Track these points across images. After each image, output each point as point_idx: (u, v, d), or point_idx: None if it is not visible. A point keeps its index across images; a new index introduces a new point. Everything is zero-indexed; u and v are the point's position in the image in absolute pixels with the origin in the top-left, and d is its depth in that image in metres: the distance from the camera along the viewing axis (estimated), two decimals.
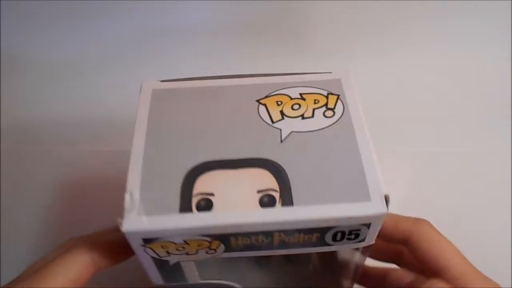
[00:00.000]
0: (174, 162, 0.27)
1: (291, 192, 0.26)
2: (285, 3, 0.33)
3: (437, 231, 0.30)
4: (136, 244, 0.26)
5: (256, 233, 0.26)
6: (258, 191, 0.26)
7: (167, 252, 0.27)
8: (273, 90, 0.31)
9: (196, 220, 0.25)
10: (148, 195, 0.26)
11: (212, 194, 0.26)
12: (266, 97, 0.31)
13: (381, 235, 0.31)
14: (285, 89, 0.31)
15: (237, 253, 0.28)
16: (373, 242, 0.28)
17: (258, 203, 0.26)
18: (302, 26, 0.32)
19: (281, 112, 0.30)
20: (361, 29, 0.33)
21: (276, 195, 0.26)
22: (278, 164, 0.27)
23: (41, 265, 0.28)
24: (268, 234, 0.26)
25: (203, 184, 0.26)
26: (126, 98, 0.28)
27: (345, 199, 0.25)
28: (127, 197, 0.26)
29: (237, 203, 0.26)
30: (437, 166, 0.40)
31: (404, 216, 0.31)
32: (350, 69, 0.31)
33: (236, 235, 0.26)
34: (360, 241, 0.27)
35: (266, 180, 0.27)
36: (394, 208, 0.27)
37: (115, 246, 0.29)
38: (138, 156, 0.28)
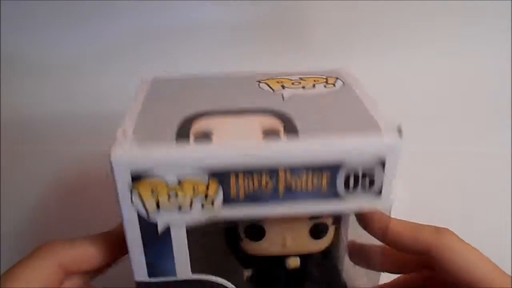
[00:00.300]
0: (172, 110, 0.26)
1: (297, 129, 0.24)
2: (285, 3, 0.36)
3: (461, 240, 0.27)
4: (123, 188, 0.23)
5: (259, 171, 0.23)
6: (262, 131, 0.24)
7: (157, 204, 0.23)
8: (274, 76, 0.31)
9: (193, 150, 0.23)
10: (142, 131, 0.24)
11: (211, 133, 0.24)
12: (267, 79, 0.31)
13: (399, 246, 0.28)
14: (285, 75, 0.32)
15: (237, 210, 0.24)
16: (391, 203, 0.25)
17: (261, 138, 0.24)
18: (302, 26, 0.34)
19: (282, 85, 0.30)
20: (361, 29, 0.35)
21: (281, 134, 0.24)
22: (282, 111, 0.26)
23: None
24: (273, 172, 0.23)
25: (202, 125, 0.25)
26: (126, 98, 0.28)
27: (355, 133, 0.23)
28: (119, 131, 0.24)
29: (239, 138, 0.24)
30: (437, 166, 0.40)
31: (422, 225, 0.28)
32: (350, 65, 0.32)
33: (237, 172, 0.23)
34: (376, 194, 0.24)
35: (270, 122, 0.25)
36: (394, 208, 0.26)
37: (89, 251, 0.28)
38: (137, 106, 0.27)
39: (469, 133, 0.40)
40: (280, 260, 0.31)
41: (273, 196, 0.24)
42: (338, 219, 0.30)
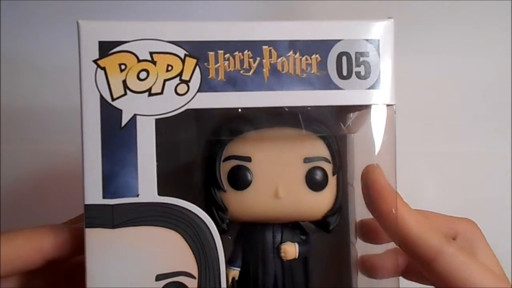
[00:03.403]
0: None
1: None
2: (285, 2, 0.36)
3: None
4: (86, 65, 0.20)
5: (241, 46, 0.21)
6: None
7: (124, 84, 0.20)
8: None
9: (170, 23, 0.21)
10: None
11: None
12: None
13: (403, 241, 0.24)
14: None
15: (216, 97, 0.20)
16: (393, 102, 0.22)
17: None
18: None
19: None
20: None
21: None
22: None
23: None
24: (255, 49, 0.21)
25: None
26: None
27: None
28: None
29: None
30: (437, 166, 0.39)
31: (437, 227, 0.25)
32: None
33: (216, 48, 0.20)
34: (374, 85, 0.21)
35: None
36: None
37: (23, 247, 0.22)
38: None
39: (469, 133, 0.39)
40: (273, 249, 0.25)
41: (257, 81, 0.21)
42: (339, 166, 0.25)
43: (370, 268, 0.27)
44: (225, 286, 0.21)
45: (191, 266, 0.21)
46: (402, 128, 0.27)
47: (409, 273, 0.27)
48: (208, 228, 0.21)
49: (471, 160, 0.39)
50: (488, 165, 0.39)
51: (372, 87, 0.21)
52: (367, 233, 0.27)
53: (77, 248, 0.21)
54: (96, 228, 0.20)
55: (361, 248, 0.28)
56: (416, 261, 0.24)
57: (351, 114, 0.26)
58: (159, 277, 0.20)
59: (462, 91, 0.38)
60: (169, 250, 0.21)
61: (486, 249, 0.25)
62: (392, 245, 0.25)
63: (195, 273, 0.21)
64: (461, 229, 0.25)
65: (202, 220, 0.21)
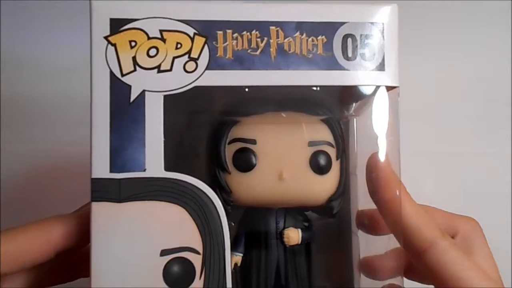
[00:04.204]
0: None
1: None
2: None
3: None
4: (97, 41, 0.21)
5: (249, 26, 0.21)
6: None
7: (134, 61, 0.20)
8: None
9: (180, 3, 0.21)
10: None
11: None
12: None
13: (404, 235, 0.24)
14: None
15: (224, 75, 0.21)
16: (396, 85, 0.22)
17: None
18: None
19: None
20: None
21: None
22: None
23: None
24: (263, 30, 0.21)
25: None
26: None
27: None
28: None
29: None
30: (437, 166, 0.40)
31: (435, 220, 0.25)
32: None
33: (225, 27, 0.21)
34: (379, 66, 0.22)
35: None
36: None
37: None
38: None
39: (469, 133, 0.40)
40: (275, 235, 0.25)
41: (264, 60, 0.21)
42: (342, 151, 0.25)
43: (371, 270, 0.27)
44: (229, 261, 0.21)
45: (196, 242, 0.21)
46: (402, 128, 0.28)
47: (408, 272, 0.27)
48: (214, 205, 0.21)
49: (471, 160, 0.39)
50: (488, 165, 0.39)
51: (376, 69, 0.22)
52: (368, 223, 0.27)
53: (86, 235, 0.21)
54: (103, 202, 0.20)
55: (362, 239, 0.28)
56: (408, 251, 0.24)
57: (355, 103, 0.27)
58: (164, 252, 0.20)
59: (462, 91, 0.39)
60: (175, 225, 0.21)
61: (484, 250, 0.25)
62: (391, 241, 0.26)
63: (200, 249, 0.21)
64: (461, 227, 0.25)
65: (208, 197, 0.21)
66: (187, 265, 0.21)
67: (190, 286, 0.21)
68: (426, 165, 0.39)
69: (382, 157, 0.23)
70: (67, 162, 0.36)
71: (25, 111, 0.38)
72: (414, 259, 0.24)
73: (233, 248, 0.26)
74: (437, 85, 0.38)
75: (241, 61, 0.21)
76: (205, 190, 0.21)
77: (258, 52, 0.21)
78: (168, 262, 0.20)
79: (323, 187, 0.25)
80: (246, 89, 0.21)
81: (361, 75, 0.22)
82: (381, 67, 0.22)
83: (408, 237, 0.23)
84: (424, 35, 0.39)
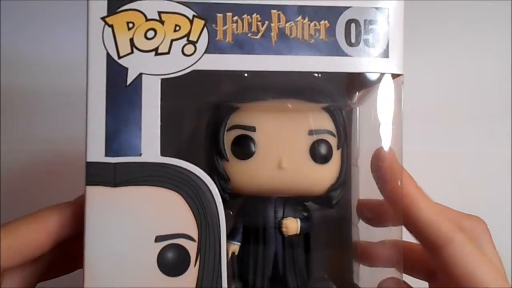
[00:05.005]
0: None
1: None
2: None
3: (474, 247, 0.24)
4: (94, 23, 0.20)
5: (250, 10, 0.20)
6: None
7: (131, 43, 0.20)
8: None
9: None
10: None
11: None
12: None
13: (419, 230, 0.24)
14: None
15: (223, 59, 0.20)
16: (401, 72, 0.21)
17: None
18: None
19: None
20: None
21: None
22: None
23: None
24: (264, 13, 0.20)
25: None
26: None
27: None
28: None
29: None
30: (437, 166, 0.39)
31: (448, 211, 0.25)
32: None
33: (224, 10, 0.20)
34: (383, 53, 0.21)
35: None
36: None
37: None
38: None
39: (469, 133, 0.40)
40: (274, 224, 0.25)
41: (265, 44, 0.21)
42: (343, 140, 0.25)
43: (366, 256, 0.27)
44: (225, 249, 0.21)
45: (192, 229, 0.20)
46: (402, 128, 0.28)
47: (408, 268, 0.27)
48: (211, 192, 0.21)
49: (471, 160, 0.40)
50: (488, 165, 0.40)
51: (380, 56, 0.21)
52: (369, 214, 0.27)
53: (82, 222, 0.21)
54: (97, 186, 0.20)
55: (362, 230, 0.28)
56: (425, 246, 0.24)
57: (358, 92, 0.26)
58: (158, 239, 0.20)
59: (462, 91, 0.39)
60: (170, 211, 0.20)
61: (491, 248, 0.25)
62: (392, 233, 0.25)
63: (195, 236, 0.20)
64: (467, 225, 0.25)
65: (205, 183, 0.21)
66: (182, 252, 0.20)
67: (185, 273, 0.20)
68: (426, 165, 0.39)
69: (387, 150, 0.23)
70: (68, 162, 0.36)
71: (25, 111, 0.38)
72: (432, 253, 0.24)
73: (231, 237, 0.26)
74: (437, 85, 0.38)
75: (241, 45, 0.21)
76: (201, 177, 0.21)
77: (258, 36, 0.21)
78: (162, 249, 0.20)
79: (322, 176, 0.24)
80: (245, 74, 0.21)
81: (364, 61, 0.21)
82: (385, 54, 0.21)
83: (426, 232, 0.23)
84: (424, 35, 0.38)
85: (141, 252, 0.20)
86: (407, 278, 0.27)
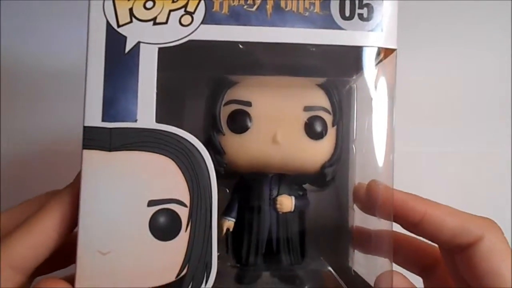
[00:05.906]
0: None
1: None
2: None
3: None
4: None
5: None
6: None
7: (130, 12, 0.21)
8: None
9: None
10: None
11: None
12: None
13: (444, 233, 0.24)
14: None
15: (219, 30, 0.21)
16: (394, 47, 0.21)
17: None
18: None
19: None
20: None
21: None
22: None
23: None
24: None
25: None
26: None
27: None
28: None
29: None
30: (437, 166, 0.39)
31: (466, 213, 0.24)
32: None
33: None
34: (377, 27, 0.21)
35: None
36: None
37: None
38: None
39: (469, 133, 0.40)
40: (269, 201, 0.25)
41: (261, 16, 0.21)
42: (339, 118, 0.25)
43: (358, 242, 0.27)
44: (216, 217, 0.21)
45: (184, 195, 0.21)
46: (402, 128, 0.28)
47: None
48: (204, 160, 0.21)
49: (471, 160, 0.39)
50: (488, 165, 0.39)
51: (374, 30, 0.21)
52: (364, 202, 0.26)
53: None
54: (93, 150, 0.21)
55: (358, 213, 0.28)
56: (449, 247, 0.24)
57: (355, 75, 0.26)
58: (151, 203, 0.21)
59: (462, 91, 0.39)
60: (163, 177, 0.21)
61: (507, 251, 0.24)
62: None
63: (187, 202, 0.21)
64: (481, 228, 0.24)
65: (198, 151, 0.21)
66: (174, 217, 0.21)
67: (176, 238, 0.21)
68: (426, 165, 0.39)
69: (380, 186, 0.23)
70: (68, 161, 0.36)
71: (25, 110, 0.38)
72: (457, 256, 0.23)
73: (226, 213, 0.26)
74: (437, 85, 0.38)
75: (236, 17, 0.21)
76: (196, 145, 0.21)
77: (254, 8, 0.21)
78: (155, 213, 0.21)
79: (317, 152, 0.25)
80: (240, 46, 0.21)
81: (358, 35, 0.21)
82: (378, 28, 0.21)
83: (452, 238, 0.23)
84: (423, 35, 0.38)
85: (134, 215, 0.20)
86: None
